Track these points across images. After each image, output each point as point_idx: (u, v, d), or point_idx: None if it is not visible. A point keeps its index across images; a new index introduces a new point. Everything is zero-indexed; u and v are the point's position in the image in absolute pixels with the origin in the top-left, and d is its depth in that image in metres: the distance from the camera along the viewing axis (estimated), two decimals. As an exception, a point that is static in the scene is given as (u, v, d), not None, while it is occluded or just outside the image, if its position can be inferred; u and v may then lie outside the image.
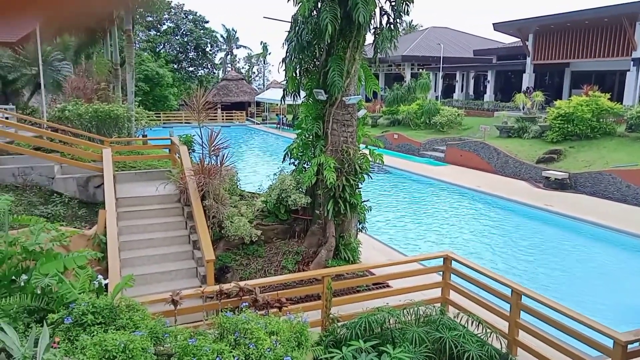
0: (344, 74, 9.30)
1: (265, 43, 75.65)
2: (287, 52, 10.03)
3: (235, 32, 72.68)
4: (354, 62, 9.49)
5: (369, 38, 10.04)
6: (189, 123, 41.13)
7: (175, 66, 60.03)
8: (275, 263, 9.44)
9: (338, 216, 9.78)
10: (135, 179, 12.30)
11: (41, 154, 11.74)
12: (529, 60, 33.26)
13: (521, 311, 6.62)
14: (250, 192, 11.85)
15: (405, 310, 6.75)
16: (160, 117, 43.22)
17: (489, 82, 38.30)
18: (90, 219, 10.56)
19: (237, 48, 74.94)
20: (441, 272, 8.04)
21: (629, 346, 5.37)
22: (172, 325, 5.56)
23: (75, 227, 9.73)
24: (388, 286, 8.78)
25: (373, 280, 8.67)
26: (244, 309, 5.30)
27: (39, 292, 4.91)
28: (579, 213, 15.90)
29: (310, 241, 9.95)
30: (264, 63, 79.37)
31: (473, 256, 12.68)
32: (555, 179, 19.53)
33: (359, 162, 9.92)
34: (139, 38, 55.99)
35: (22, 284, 5.12)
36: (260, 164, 28.01)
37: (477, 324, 6.59)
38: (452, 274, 7.86)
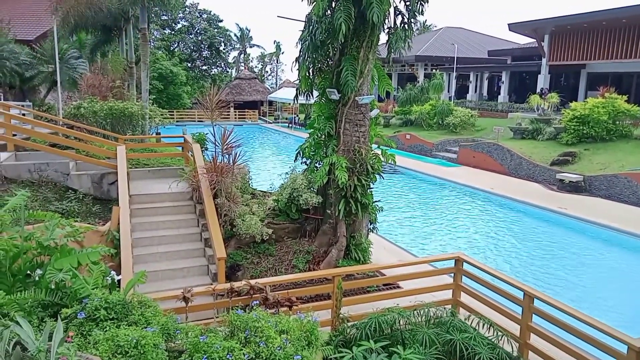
0: (357, 73, 9.29)
1: (279, 42, 75.97)
2: (300, 52, 10.04)
3: (249, 31, 73.08)
4: (367, 61, 9.47)
5: (383, 38, 10.01)
6: (202, 121, 41.44)
7: (189, 65, 60.46)
8: (286, 262, 9.46)
9: (349, 216, 9.77)
10: (148, 176, 12.41)
11: (57, 150, 11.90)
12: (544, 61, 32.89)
13: (533, 314, 6.56)
14: (262, 191, 11.89)
15: (415, 312, 6.72)
16: (173, 115, 43.55)
17: (503, 83, 37.97)
18: (104, 216, 10.68)
19: (251, 47, 75.31)
20: (452, 274, 7.98)
21: (644, 352, 5.28)
22: (183, 322, 5.61)
23: (89, 223, 9.85)
24: (398, 287, 8.76)
25: (383, 281, 8.65)
26: (254, 307, 5.32)
27: (53, 286, 4.98)
28: (593, 216, 15.69)
29: (321, 241, 9.95)
30: (277, 62, 79.66)
31: (485, 258, 12.59)
32: (570, 181, 19.30)
33: (371, 162, 9.90)
34: (153, 37, 56.48)
35: (37, 278, 5.21)
36: (272, 163, 28.08)
37: (488, 326, 6.54)
38: (463, 276, 7.81)
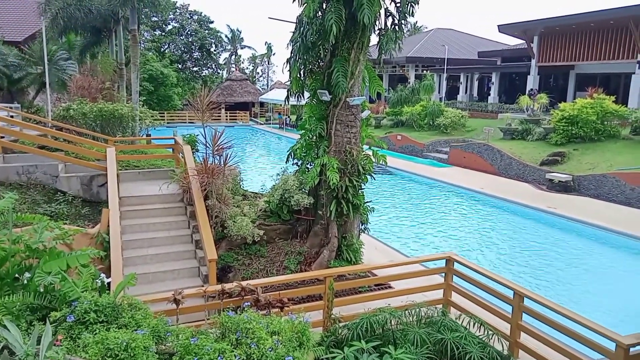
0: (348, 74, 9.31)
1: (270, 43, 75.99)
2: (291, 53, 10.04)
3: (240, 33, 72.92)
4: (358, 63, 9.49)
5: (374, 39, 10.05)
6: (192, 123, 41.27)
7: (180, 66, 60.17)
8: (278, 263, 9.45)
9: (341, 217, 9.78)
10: (138, 178, 12.35)
11: (45, 152, 11.79)
12: (533, 62, 33.18)
13: (523, 313, 6.61)
14: (253, 192, 11.87)
15: (407, 312, 6.74)
16: (164, 116, 43.34)
17: (493, 83, 38.23)
18: (94, 218, 10.60)
19: (242, 48, 75.19)
20: (443, 274, 8.02)
21: (631, 349, 5.35)
22: (174, 324, 5.58)
23: (78, 226, 9.77)
24: (390, 287, 8.78)
25: (375, 281, 8.67)
26: (245, 309, 5.31)
27: (41, 290, 4.94)
28: (582, 216, 15.84)
29: (312, 242, 9.96)
30: (268, 63, 79.58)
31: (475, 258, 12.66)
32: (559, 181, 19.47)
33: (362, 163, 9.92)
34: (144, 38, 56.17)
35: (25, 281, 5.15)
36: (263, 164, 28.04)
37: (478, 325, 6.58)
38: (454, 276, 7.85)
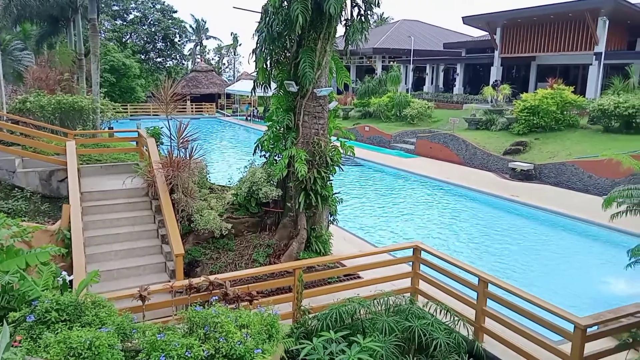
0: (315, 65, 9.26)
1: (236, 34, 74.87)
2: (257, 43, 9.91)
3: (205, 23, 71.50)
4: (324, 53, 9.46)
5: (340, 30, 10.03)
6: (157, 115, 40.33)
7: (143, 57, 58.57)
8: (246, 256, 9.39)
9: (309, 208, 9.78)
10: (101, 173, 12.01)
11: (1, 147, 11.31)
12: (496, 53, 33.89)
13: (487, 299, 6.80)
14: (220, 185, 11.73)
15: (375, 301, 6.83)
16: (127, 109, 42.20)
17: (458, 75, 38.87)
18: (54, 214, 10.26)
19: (207, 39, 73.75)
20: (411, 263, 8.16)
21: (588, 330, 5.59)
22: (140, 321, 5.48)
23: (38, 223, 9.44)
24: (359, 277, 8.87)
25: (344, 272, 8.72)
26: (213, 303, 5.26)
27: (-1, 290, 4.76)
28: (542, 203, 16.39)
29: (281, 234, 9.93)
30: (234, 54, 78.44)
31: (442, 246, 12.92)
32: (521, 170, 20.05)
33: (330, 154, 9.93)
34: (104, 27, 54.40)
35: (-19, 282, 4.94)
36: (230, 157, 27.74)
37: (445, 312, 6.73)
38: (421, 264, 8.00)
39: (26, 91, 18.06)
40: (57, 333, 4.23)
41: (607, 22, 26.80)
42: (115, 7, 57.10)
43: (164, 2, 61.32)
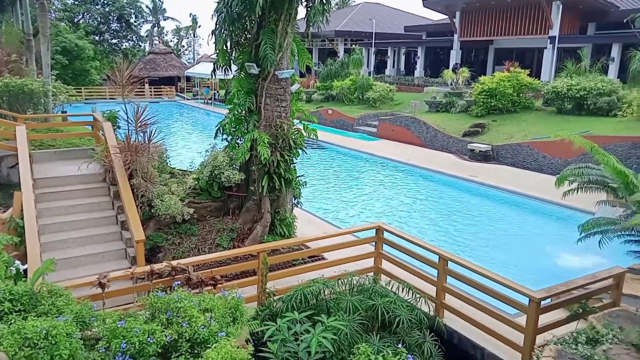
0: (276, 47, 9.13)
1: (195, 15, 72.93)
2: (216, 24, 9.66)
3: (162, 3, 69.27)
4: (286, 35, 9.33)
5: (302, 12, 9.90)
6: (113, 99, 38.98)
7: (97, 38, 56.14)
8: (210, 241, 9.28)
9: (273, 192, 9.74)
10: (54, 158, 11.53)
11: (-57, 132, 10.69)
12: (456, 37, 34.37)
13: (447, 276, 7.00)
14: (181, 170, 11.50)
15: (339, 281, 6.91)
16: (81, 92, 40.53)
17: (419, 58, 39.25)
18: (5, 202, 9.84)
19: (165, 20, 71.53)
20: (374, 243, 8.29)
21: (542, 302, 5.85)
22: (100, 309, 5.36)
23: (-13, 211, 9.01)
24: (323, 258, 8.93)
25: (308, 254, 8.77)
26: (176, 288, 5.19)
27: (-55, 281, 4.53)
28: (500, 183, 16.94)
29: (245, 218, 9.86)
30: (194, 36, 76.43)
31: (404, 226, 13.17)
32: (479, 151, 20.59)
33: (293, 137, 9.87)
34: (54, 7, 51.74)
35: None
36: (191, 141, 27.21)
37: (407, 290, 6.88)
38: (384, 244, 8.13)
39: (-30, 74, 17.03)
40: (11, 324, 4.08)
41: (561, 6, 27.59)
42: (66, -15, 54.40)
43: (118, -20, 58.78)
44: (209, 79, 42.01)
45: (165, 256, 8.61)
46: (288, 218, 10.01)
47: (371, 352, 4.70)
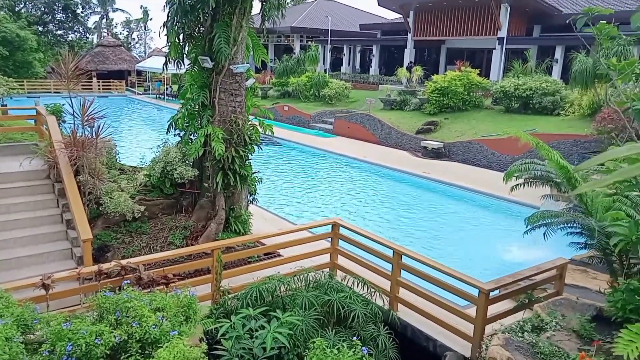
0: (230, 41, 8.98)
1: (146, 7, 70.73)
2: (168, 16, 9.38)
3: (111, -7, 66.68)
4: (240, 29, 9.19)
5: (257, 6, 9.79)
6: (58, 92, 37.17)
7: (41, 29, 53.49)
8: (162, 239, 9.04)
9: (228, 188, 9.59)
10: (-7, 154, 10.89)
11: None
12: (409, 36, 35.03)
13: (401, 270, 7.12)
14: (131, 166, 11.11)
15: (295, 277, 6.88)
16: (23, 85, 38.48)
17: (374, 56, 39.73)
18: (-62, 201, 9.17)
19: (114, 11, 69.06)
20: (330, 239, 8.32)
21: (491, 293, 6.06)
22: (44, 311, 5.11)
23: None
24: (279, 255, 8.89)
25: (264, 251, 8.70)
26: (125, 288, 5.01)
27: None
28: (451, 179, 17.42)
29: (198, 215, 9.66)
30: (145, 29, 74.21)
31: (359, 221, 13.31)
32: (432, 148, 21.09)
33: (249, 132, 9.76)
34: (-8, -6, 48.84)
35: None
36: (142, 137, 26.40)
37: (362, 285, 6.95)
38: (339, 240, 8.18)
39: None
40: (-57, 330, 3.82)
41: (509, 9, 28.66)
42: (5, -28, 51.39)
43: (63, -32, 56.16)
44: (160, 73, 40.83)
45: (115, 255, 8.31)
46: (243, 215, 9.89)
47: (327, 346, 4.71)
